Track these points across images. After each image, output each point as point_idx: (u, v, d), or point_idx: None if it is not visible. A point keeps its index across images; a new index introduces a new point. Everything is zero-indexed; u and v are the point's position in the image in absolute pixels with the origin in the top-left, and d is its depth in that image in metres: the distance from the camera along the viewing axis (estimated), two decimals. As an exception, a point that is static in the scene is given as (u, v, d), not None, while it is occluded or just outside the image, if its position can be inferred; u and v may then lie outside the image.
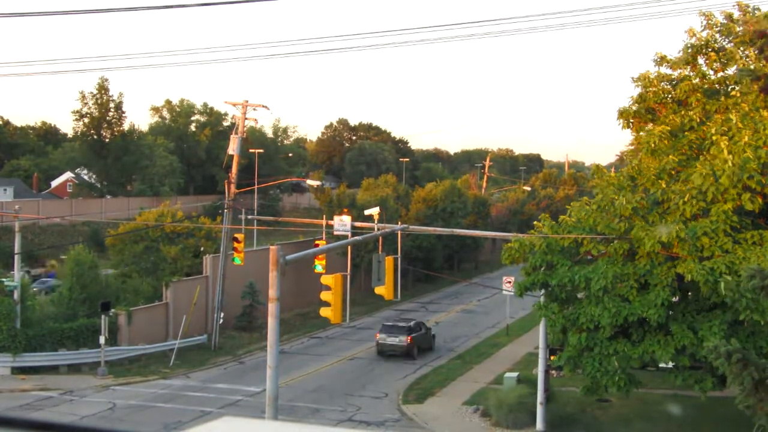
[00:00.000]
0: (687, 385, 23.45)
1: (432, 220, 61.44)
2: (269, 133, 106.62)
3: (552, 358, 27.70)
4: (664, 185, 23.69)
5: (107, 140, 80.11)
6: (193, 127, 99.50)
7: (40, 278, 53.93)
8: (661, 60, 28.17)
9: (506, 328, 46.76)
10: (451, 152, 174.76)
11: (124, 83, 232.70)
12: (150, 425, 28.20)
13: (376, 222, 35.14)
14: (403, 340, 39.85)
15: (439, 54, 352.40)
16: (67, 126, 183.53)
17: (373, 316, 51.99)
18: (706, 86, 27.61)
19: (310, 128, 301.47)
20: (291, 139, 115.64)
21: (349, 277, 32.57)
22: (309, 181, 56.91)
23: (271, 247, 19.91)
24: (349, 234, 37.57)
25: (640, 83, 28.08)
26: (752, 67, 25.57)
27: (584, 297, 24.32)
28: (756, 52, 25.74)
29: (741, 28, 26.83)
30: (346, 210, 49.87)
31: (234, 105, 42.80)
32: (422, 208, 62.76)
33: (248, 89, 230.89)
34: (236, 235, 40.35)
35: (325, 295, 22.37)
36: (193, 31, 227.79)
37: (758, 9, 27.14)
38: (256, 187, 74.19)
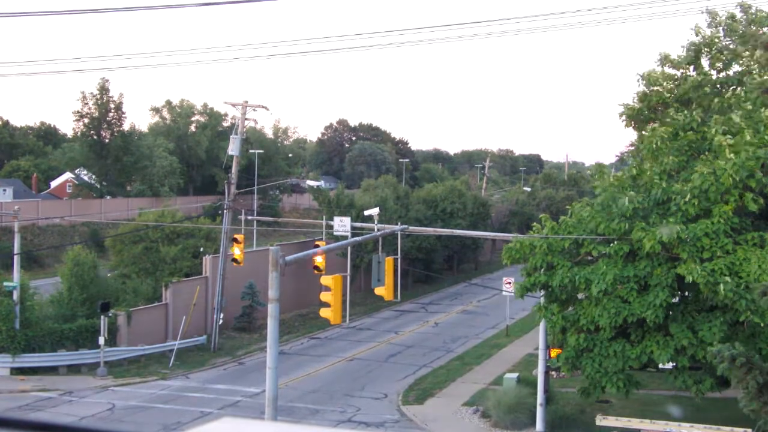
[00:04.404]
0: (686, 386, 23.40)
1: (432, 220, 61.39)
2: (269, 134, 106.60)
3: (551, 355, 27.61)
4: (664, 185, 23.66)
5: (107, 141, 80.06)
6: (193, 128, 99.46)
7: None
8: (665, 59, 28.17)
9: (506, 329, 46.72)
10: (451, 153, 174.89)
11: (125, 83, 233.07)
12: (149, 426, 28.16)
13: (375, 222, 35.06)
14: None
15: (440, 54, 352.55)
16: (67, 126, 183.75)
17: (373, 316, 51.95)
18: (708, 86, 27.61)
19: (310, 129, 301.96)
20: (291, 140, 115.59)
21: (348, 277, 32.46)
22: (309, 182, 56.89)
23: (271, 247, 19.87)
24: (348, 234, 37.53)
25: (644, 81, 28.10)
26: (760, 78, 25.50)
27: (584, 298, 24.28)
28: (765, 62, 25.70)
29: (744, 29, 26.83)
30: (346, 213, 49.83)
31: (234, 105, 42.78)
32: (422, 208, 62.70)
33: (248, 89, 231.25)
34: (236, 236, 40.31)
35: (324, 296, 22.33)
36: (194, 31, 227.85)
37: (761, 11, 27.15)
38: (255, 187, 74.21)
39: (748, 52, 26.67)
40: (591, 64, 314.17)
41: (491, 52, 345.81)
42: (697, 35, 27.53)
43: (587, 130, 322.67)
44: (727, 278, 20.64)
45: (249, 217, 55.43)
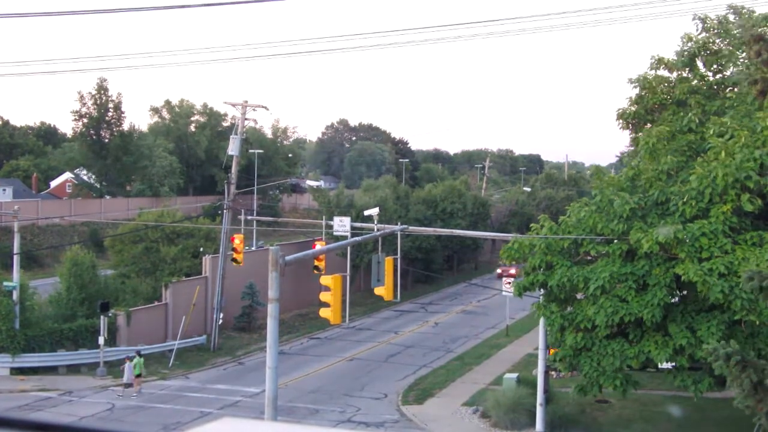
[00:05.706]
0: (685, 386, 23.42)
1: (432, 220, 61.42)
2: (269, 134, 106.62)
3: (550, 353, 27.63)
4: (662, 186, 23.69)
5: (106, 140, 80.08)
6: (192, 128, 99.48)
7: None
8: (659, 62, 28.17)
9: (506, 329, 46.75)
10: (451, 153, 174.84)
11: (124, 83, 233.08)
12: (149, 426, 28.19)
13: (375, 223, 35.08)
14: None
15: (440, 54, 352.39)
16: (67, 126, 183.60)
17: (373, 316, 51.98)
18: (704, 88, 27.62)
19: (310, 129, 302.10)
20: (291, 140, 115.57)
21: (348, 277, 32.49)
22: (309, 182, 56.97)
23: (270, 247, 19.88)
24: (348, 234, 37.54)
25: (638, 84, 28.10)
26: (748, 70, 25.55)
27: (583, 297, 24.30)
28: (754, 55, 25.71)
29: (737, 31, 26.83)
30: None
31: (233, 105, 42.83)
32: (422, 208, 62.73)
33: (248, 89, 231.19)
34: (236, 236, 40.34)
35: (324, 296, 22.35)
36: (194, 31, 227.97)
37: (753, 11, 27.15)
38: (255, 187, 74.24)
39: (743, 54, 26.67)
40: (591, 65, 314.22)
41: (492, 52, 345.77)
42: (688, 42, 27.55)
43: (587, 130, 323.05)
44: (716, 279, 20.67)
45: (249, 217, 55.49)
